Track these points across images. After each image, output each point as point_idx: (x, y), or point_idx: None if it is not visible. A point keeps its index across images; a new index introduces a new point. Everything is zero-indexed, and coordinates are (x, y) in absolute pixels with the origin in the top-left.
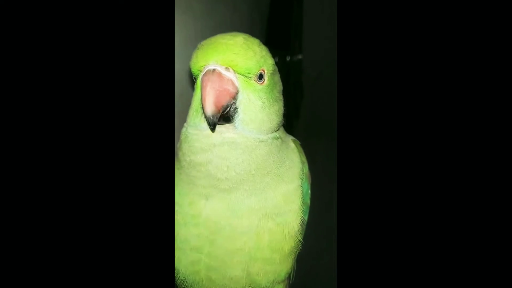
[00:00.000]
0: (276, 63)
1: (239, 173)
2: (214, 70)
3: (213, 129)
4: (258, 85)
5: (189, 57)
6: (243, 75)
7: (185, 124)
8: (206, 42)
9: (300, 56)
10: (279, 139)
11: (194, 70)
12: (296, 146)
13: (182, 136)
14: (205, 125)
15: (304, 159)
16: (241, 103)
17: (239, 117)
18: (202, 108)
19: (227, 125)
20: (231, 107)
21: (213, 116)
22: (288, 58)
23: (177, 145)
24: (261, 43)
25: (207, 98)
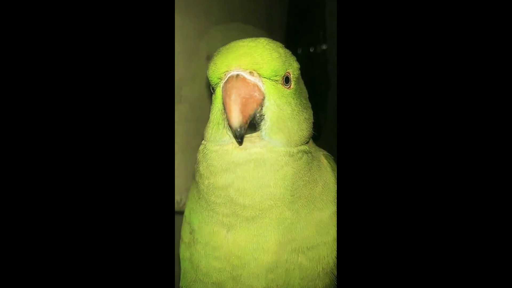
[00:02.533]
0: (298, 55)
1: (265, 198)
2: (237, 75)
3: (240, 142)
4: (285, 90)
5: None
6: (269, 79)
7: (203, 142)
8: (224, 48)
9: (324, 47)
10: (310, 154)
11: (214, 79)
12: (330, 163)
13: (200, 155)
14: (227, 139)
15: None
16: (268, 110)
17: (266, 126)
18: (227, 119)
19: (253, 139)
20: (257, 114)
21: (240, 127)
22: (311, 49)
23: (194, 166)
24: (283, 46)
25: (233, 108)
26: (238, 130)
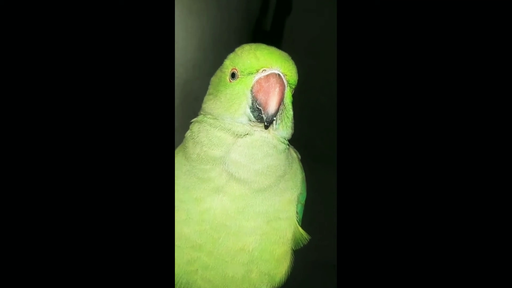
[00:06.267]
0: None
1: (257, 174)
2: (278, 74)
3: (267, 126)
4: (291, 96)
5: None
6: (290, 85)
7: (201, 118)
8: (259, 47)
9: None
10: (289, 148)
11: (250, 69)
12: (297, 156)
13: (201, 125)
14: (244, 119)
15: (302, 167)
16: (283, 108)
17: (277, 121)
18: (261, 106)
19: (262, 127)
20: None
21: (275, 114)
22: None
23: (186, 137)
24: None
25: (274, 98)
26: (272, 116)
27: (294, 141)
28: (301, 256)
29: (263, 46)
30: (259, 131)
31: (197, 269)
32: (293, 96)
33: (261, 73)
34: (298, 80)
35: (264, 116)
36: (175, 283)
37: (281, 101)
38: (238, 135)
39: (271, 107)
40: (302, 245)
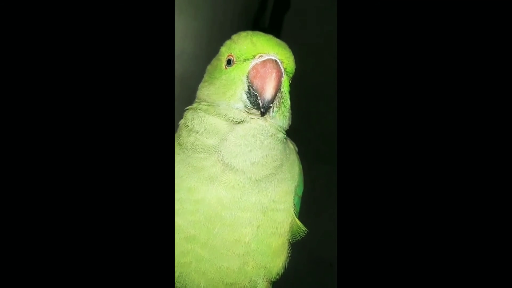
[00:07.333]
0: None
1: (253, 163)
2: (275, 60)
3: (264, 113)
4: (288, 85)
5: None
6: (287, 73)
7: (196, 105)
8: (256, 33)
9: None
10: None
11: (246, 55)
12: (294, 148)
13: (195, 112)
14: (240, 105)
15: (299, 159)
16: (280, 96)
17: (274, 109)
18: (257, 92)
19: (258, 115)
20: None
21: (271, 100)
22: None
23: (180, 125)
24: None
25: (271, 83)
26: (269, 102)
27: (294, 140)
28: (301, 253)
29: (260, 33)
30: (255, 118)
31: (191, 261)
32: (292, 93)
33: (258, 59)
34: (296, 71)
35: (260, 102)
36: None
37: (278, 87)
38: (234, 122)
39: (268, 93)
40: (299, 238)
